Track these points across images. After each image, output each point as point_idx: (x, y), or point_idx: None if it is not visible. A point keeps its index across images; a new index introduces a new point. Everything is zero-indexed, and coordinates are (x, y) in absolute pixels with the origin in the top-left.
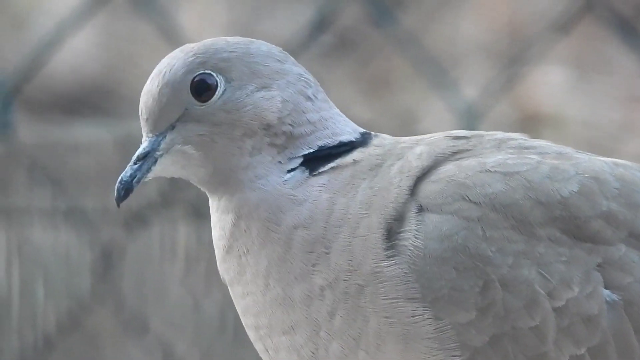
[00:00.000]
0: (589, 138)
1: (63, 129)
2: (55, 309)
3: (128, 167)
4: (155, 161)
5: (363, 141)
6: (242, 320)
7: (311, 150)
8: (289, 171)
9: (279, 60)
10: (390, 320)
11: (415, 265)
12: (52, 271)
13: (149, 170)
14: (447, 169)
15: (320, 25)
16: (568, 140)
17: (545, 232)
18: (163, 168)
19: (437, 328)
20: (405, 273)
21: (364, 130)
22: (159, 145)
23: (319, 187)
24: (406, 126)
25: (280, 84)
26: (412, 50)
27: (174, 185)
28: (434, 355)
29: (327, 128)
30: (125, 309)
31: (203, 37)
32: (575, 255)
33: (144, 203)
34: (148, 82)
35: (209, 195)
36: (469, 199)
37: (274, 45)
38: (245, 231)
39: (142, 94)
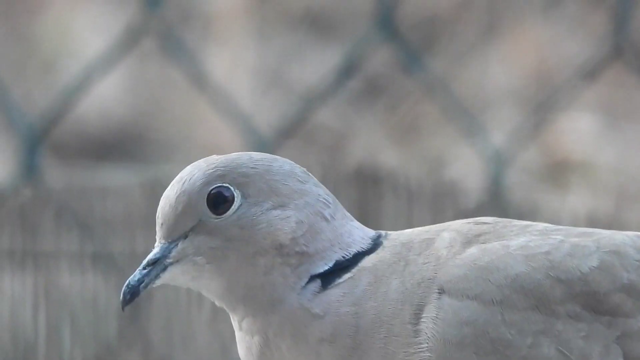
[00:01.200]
0: (617, 185)
1: (91, 173)
2: (82, 353)
3: (137, 272)
4: (165, 268)
5: (376, 245)
6: None
7: (328, 267)
8: (305, 286)
9: (299, 180)
10: None
11: (435, 352)
12: (79, 315)
13: (157, 277)
14: (472, 253)
15: (349, 70)
16: (597, 187)
17: (565, 309)
18: (172, 276)
19: None
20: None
21: (375, 233)
22: (169, 252)
23: (338, 298)
24: (434, 171)
25: (298, 204)
26: (440, 96)
27: None
28: None
29: (343, 242)
30: (153, 353)
31: (232, 81)
32: (595, 329)
33: None
34: (169, 187)
35: (228, 312)
36: (492, 282)
37: (297, 165)
38: (275, 351)
39: (162, 198)
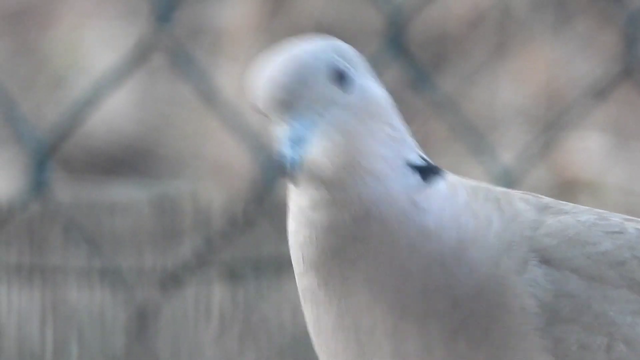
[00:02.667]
0: (626, 204)
1: (99, 188)
2: None
3: (287, 148)
4: (305, 146)
5: (439, 170)
6: (311, 326)
7: (420, 163)
8: (407, 175)
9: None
10: None
11: (542, 322)
12: (87, 330)
13: (304, 153)
14: (553, 223)
15: None
16: (606, 206)
17: None
18: (312, 153)
19: None
20: (536, 326)
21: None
22: (308, 129)
23: (442, 201)
24: None
25: (380, 86)
26: (449, 115)
27: (209, 246)
28: None
29: (413, 142)
30: None
31: (241, 97)
32: None
33: (179, 263)
34: (290, 64)
35: (307, 190)
36: (586, 256)
37: None
38: (361, 233)
39: (283, 75)
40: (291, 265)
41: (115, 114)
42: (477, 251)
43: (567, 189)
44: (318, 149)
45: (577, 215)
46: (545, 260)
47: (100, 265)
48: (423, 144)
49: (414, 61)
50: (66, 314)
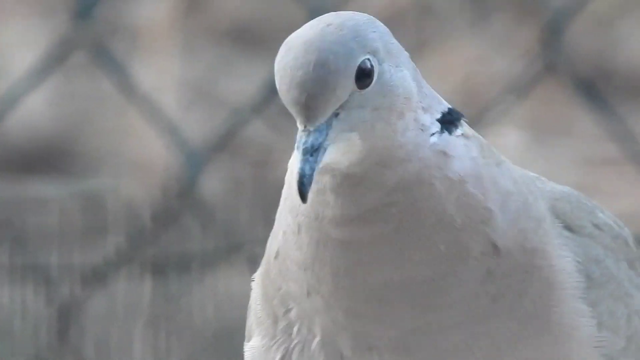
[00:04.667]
0: None
1: (20, 186)
2: None
3: (301, 162)
4: (324, 152)
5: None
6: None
7: (443, 113)
8: (433, 134)
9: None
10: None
11: (581, 285)
12: (10, 328)
13: (319, 162)
14: (553, 189)
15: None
16: None
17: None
18: (329, 157)
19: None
20: (576, 289)
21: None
22: (327, 135)
23: (464, 147)
24: None
25: (404, 61)
26: None
27: (132, 242)
28: None
29: (435, 97)
30: None
31: (159, 94)
32: None
33: (102, 260)
34: (305, 68)
35: (337, 177)
36: (594, 226)
37: None
38: (402, 203)
39: (302, 82)
40: (216, 259)
41: (34, 111)
42: (503, 206)
43: None
44: (333, 153)
45: (554, 185)
46: (567, 225)
47: (23, 262)
48: None
49: None
50: None
